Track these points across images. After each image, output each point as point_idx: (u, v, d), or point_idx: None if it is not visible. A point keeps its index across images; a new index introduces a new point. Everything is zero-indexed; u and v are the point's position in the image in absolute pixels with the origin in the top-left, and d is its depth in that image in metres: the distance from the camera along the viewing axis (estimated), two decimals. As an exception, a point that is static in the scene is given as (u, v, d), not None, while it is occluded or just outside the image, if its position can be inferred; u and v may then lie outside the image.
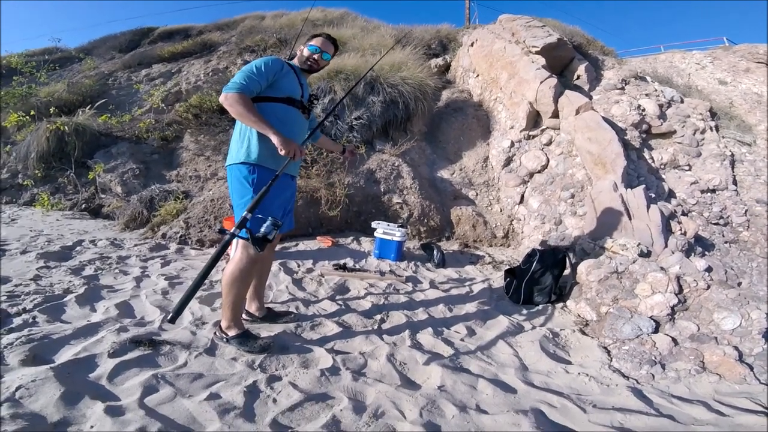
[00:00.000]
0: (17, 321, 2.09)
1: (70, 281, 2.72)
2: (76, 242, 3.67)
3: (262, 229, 1.70)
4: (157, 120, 6.21)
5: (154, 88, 7.38)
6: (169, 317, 1.52)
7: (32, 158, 5.48)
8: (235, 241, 1.80)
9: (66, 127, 5.51)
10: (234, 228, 1.68)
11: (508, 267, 3.58)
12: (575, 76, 5.93)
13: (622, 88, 5.62)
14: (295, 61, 2.22)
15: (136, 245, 3.76)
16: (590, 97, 5.48)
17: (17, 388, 1.50)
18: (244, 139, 1.97)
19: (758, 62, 7.49)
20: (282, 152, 1.84)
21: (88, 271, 2.98)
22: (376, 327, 2.42)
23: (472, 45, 7.14)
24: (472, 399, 1.74)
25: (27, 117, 6.02)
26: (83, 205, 5.08)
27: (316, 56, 2.18)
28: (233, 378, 1.74)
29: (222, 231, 1.70)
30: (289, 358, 1.95)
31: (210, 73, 7.57)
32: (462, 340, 2.37)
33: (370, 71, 3.97)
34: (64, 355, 1.80)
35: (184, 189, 4.97)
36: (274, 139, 1.83)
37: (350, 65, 5.65)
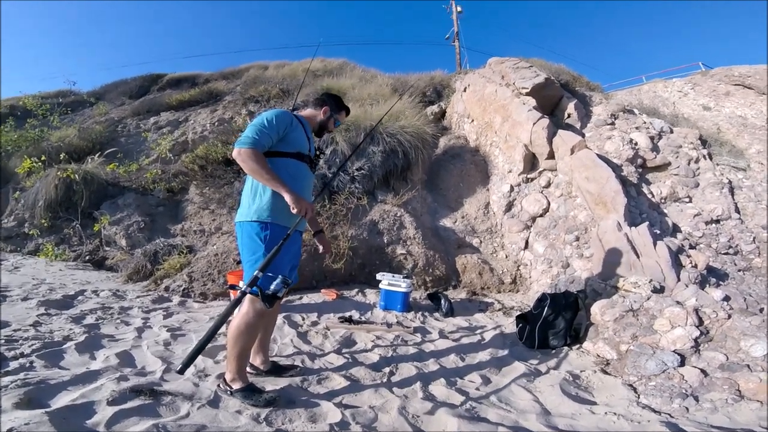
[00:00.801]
0: (14, 365, 2.06)
1: (70, 329, 2.70)
2: (78, 292, 3.66)
3: (272, 287, 1.74)
4: (163, 170, 6.34)
5: (161, 137, 7.62)
6: (178, 368, 1.52)
7: (39, 206, 5.55)
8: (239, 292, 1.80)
9: (75, 175, 5.62)
10: (245, 286, 1.71)
11: (519, 313, 3.50)
12: (566, 115, 6.04)
13: (613, 123, 5.74)
14: (304, 114, 2.28)
15: (138, 297, 3.73)
16: (583, 135, 5.59)
17: (9, 431, 1.45)
18: (255, 195, 1.98)
19: (736, 84, 7.75)
20: (294, 211, 1.86)
21: (89, 320, 2.95)
22: (385, 380, 2.33)
23: (465, 90, 7.39)
24: (493, 450, 1.63)
25: (39, 163, 6.14)
26: (87, 257, 5.09)
27: (334, 129, 2.36)
28: (238, 431, 1.65)
29: (233, 287, 1.72)
30: (296, 412, 1.86)
31: (216, 123, 7.86)
32: (477, 389, 2.26)
33: (376, 126, 4.19)
34: (61, 401, 1.74)
35: (188, 243, 4.99)
36: (287, 198, 1.85)
37: (350, 116, 5.81)
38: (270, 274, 1.79)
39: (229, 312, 1.67)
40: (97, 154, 6.67)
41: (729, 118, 6.83)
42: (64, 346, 2.37)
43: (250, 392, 1.91)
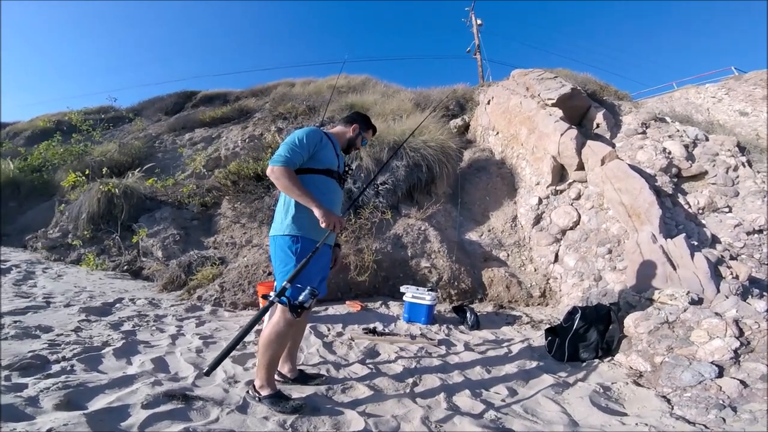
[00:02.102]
0: (55, 368, 2.17)
1: (108, 335, 2.83)
2: (116, 299, 3.84)
3: (300, 298, 1.79)
4: (197, 185, 6.60)
5: (196, 153, 7.96)
6: (205, 371, 1.59)
7: (83, 219, 5.87)
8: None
9: (116, 190, 5.95)
10: (274, 296, 1.77)
11: (548, 326, 3.42)
12: (594, 125, 5.89)
13: (644, 132, 5.56)
14: (334, 131, 2.36)
15: (172, 305, 3.88)
16: (613, 145, 5.44)
17: (48, 430, 1.52)
18: (288, 210, 2.06)
19: None
20: (323, 225, 1.92)
21: (127, 326, 3.08)
22: (408, 390, 2.32)
23: (488, 103, 7.36)
24: (518, 461, 1.59)
25: (83, 177, 6.52)
26: (125, 267, 5.33)
27: (360, 147, 2.43)
28: (265, 437, 1.69)
29: (265, 297, 1.79)
30: (321, 419, 1.89)
31: (247, 140, 8.13)
32: (503, 400, 2.23)
33: (402, 145, 4.27)
34: (98, 403, 1.82)
35: (220, 255, 5.14)
36: (317, 212, 1.92)
37: (374, 131, 5.92)
38: (299, 285, 1.84)
39: (257, 319, 1.73)
40: (137, 170, 7.04)
41: (768, 123, 6.50)
42: (103, 351, 2.48)
43: (278, 399, 1.95)
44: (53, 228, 6.33)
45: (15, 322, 2.85)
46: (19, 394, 1.80)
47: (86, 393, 1.91)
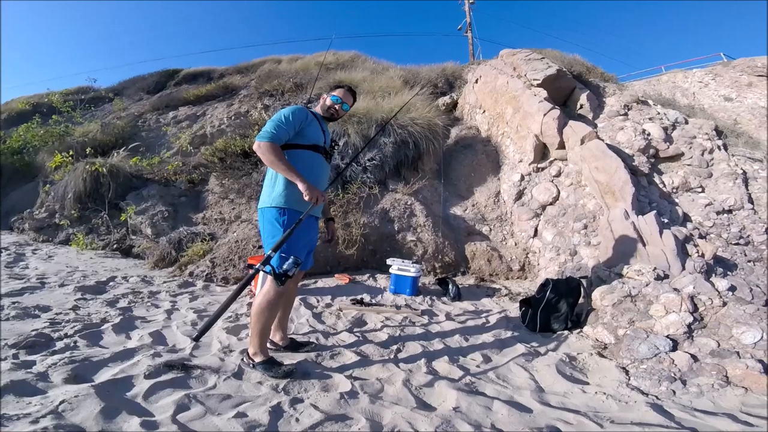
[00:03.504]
0: (59, 344, 2.28)
1: (106, 312, 2.94)
2: (109, 278, 3.92)
3: (284, 267, 1.92)
4: (184, 163, 6.58)
5: (181, 131, 7.86)
6: (194, 336, 1.77)
7: (69, 198, 5.86)
8: (262, 276, 1.99)
9: (103, 169, 5.92)
10: (259, 264, 1.89)
11: (523, 297, 3.62)
12: (578, 106, 6.02)
13: (626, 114, 5.69)
14: (317, 109, 2.45)
15: (165, 282, 3.98)
16: (595, 126, 5.58)
17: (60, 402, 1.64)
18: (274, 184, 2.17)
19: (759, 75, 7.52)
20: (306, 198, 2.04)
21: (122, 303, 3.19)
22: (392, 356, 2.50)
23: (476, 82, 7.39)
24: (487, 419, 1.78)
25: (69, 158, 6.45)
26: (115, 245, 5.37)
27: (337, 107, 2.40)
28: (259, 399, 1.85)
29: (250, 266, 1.91)
30: (311, 383, 2.05)
31: (233, 117, 8.05)
32: (478, 366, 2.42)
33: (388, 122, 4.26)
34: (104, 376, 1.95)
35: (210, 231, 5.21)
36: (300, 186, 2.03)
37: (362, 108, 5.94)
38: (283, 255, 1.98)
39: (242, 288, 1.84)
40: (122, 149, 6.96)
41: (751, 109, 6.66)
42: (102, 327, 2.60)
43: (270, 365, 2.11)
44: (39, 209, 6.30)
45: (13, 303, 2.93)
46: (29, 370, 1.91)
47: (91, 367, 2.03)
